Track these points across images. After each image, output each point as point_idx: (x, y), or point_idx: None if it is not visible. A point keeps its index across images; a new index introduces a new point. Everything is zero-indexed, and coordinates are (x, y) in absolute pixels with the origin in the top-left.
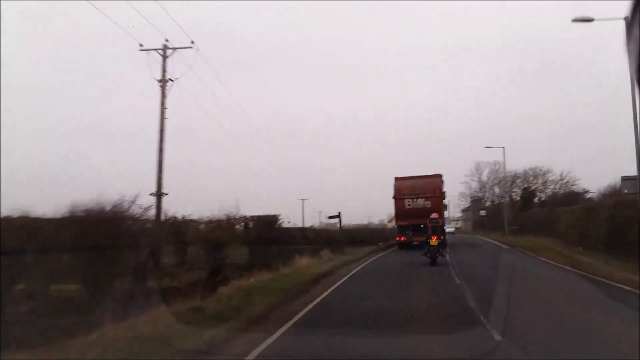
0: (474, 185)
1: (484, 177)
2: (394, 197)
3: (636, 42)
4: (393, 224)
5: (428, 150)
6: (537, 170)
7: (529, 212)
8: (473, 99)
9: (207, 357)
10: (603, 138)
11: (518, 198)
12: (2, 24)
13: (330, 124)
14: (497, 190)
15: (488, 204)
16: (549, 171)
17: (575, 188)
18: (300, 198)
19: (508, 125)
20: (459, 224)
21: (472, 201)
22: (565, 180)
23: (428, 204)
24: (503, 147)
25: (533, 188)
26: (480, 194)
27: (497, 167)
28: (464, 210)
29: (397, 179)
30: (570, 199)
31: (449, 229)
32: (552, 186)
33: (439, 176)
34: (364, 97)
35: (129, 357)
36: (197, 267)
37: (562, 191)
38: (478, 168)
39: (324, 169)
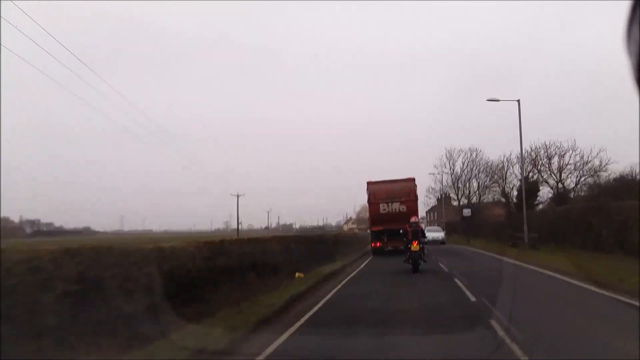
0: (445, 178)
1: (457, 168)
2: (369, 202)
3: (636, 42)
4: (350, 225)
5: (387, 144)
6: (555, 147)
7: (532, 211)
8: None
9: (221, 357)
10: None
11: (498, 195)
12: None
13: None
14: (475, 184)
15: (464, 201)
16: (572, 149)
17: (607, 174)
18: (235, 194)
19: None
20: (422, 227)
21: (439, 199)
22: (589, 164)
23: (403, 208)
24: (518, 100)
25: (535, 177)
26: (451, 190)
27: (473, 154)
28: (429, 211)
29: (370, 183)
30: (624, 189)
31: (436, 234)
32: (576, 172)
33: (412, 180)
34: (324, 101)
35: None
36: None
37: (589, 178)
38: (450, 157)
39: (284, 170)
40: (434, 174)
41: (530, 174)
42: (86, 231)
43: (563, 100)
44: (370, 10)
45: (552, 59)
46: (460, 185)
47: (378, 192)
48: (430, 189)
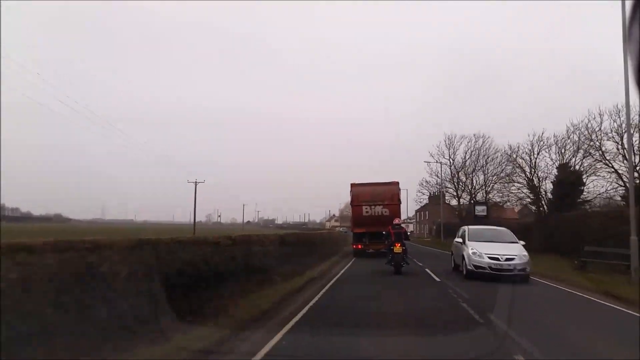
0: (444, 170)
1: (459, 158)
2: (352, 204)
3: (636, 42)
4: (333, 223)
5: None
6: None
7: (576, 214)
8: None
9: (214, 356)
10: None
11: (522, 188)
12: None
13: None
14: (480, 177)
15: (465, 198)
16: None
17: None
18: (193, 181)
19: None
20: (411, 228)
21: (432, 196)
22: None
23: (386, 211)
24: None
25: (580, 165)
26: (449, 184)
27: (479, 142)
28: (420, 210)
29: (353, 185)
30: None
31: (507, 251)
32: None
33: (396, 183)
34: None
35: None
36: None
37: None
38: (450, 144)
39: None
40: (429, 162)
41: (574, 159)
42: (57, 218)
43: (563, 100)
44: (371, 9)
45: (553, 59)
46: (463, 177)
47: (361, 194)
48: (424, 183)
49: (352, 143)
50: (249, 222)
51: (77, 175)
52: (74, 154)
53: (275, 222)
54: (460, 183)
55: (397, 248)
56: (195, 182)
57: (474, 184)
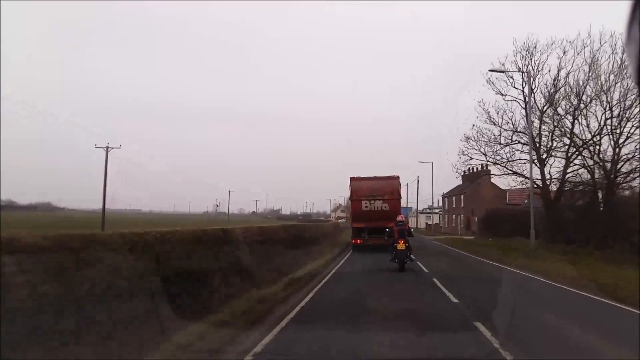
0: (514, 112)
1: (544, 83)
2: (351, 198)
3: (636, 43)
4: (339, 213)
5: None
6: None
7: None
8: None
9: (209, 356)
10: None
11: None
12: None
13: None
14: (602, 115)
15: (557, 158)
16: None
17: None
18: (103, 146)
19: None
20: (438, 220)
21: (467, 175)
22: None
23: (386, 206)
24: None
25: None
26: (523, 138)
27: (584, 52)
28: (449, 195)
29: (352, 179)
30: None
31: None
32: None
33: (397, 178)
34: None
35: None
36: None
37: None
38: (528, 56)
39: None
40: (493, 81)
41: None
42: (43, 207)
43: None
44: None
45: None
46: (566, 113)
47: (360, 189)
48: (475, 135)
49: (355, 140)
50: (254, 212)
51: (79, 169)
52: (77, 149)
53: (281, 212)
54: (548, 131)
55: (401, 245)
56: (107, 147)
57: (591, 128)
